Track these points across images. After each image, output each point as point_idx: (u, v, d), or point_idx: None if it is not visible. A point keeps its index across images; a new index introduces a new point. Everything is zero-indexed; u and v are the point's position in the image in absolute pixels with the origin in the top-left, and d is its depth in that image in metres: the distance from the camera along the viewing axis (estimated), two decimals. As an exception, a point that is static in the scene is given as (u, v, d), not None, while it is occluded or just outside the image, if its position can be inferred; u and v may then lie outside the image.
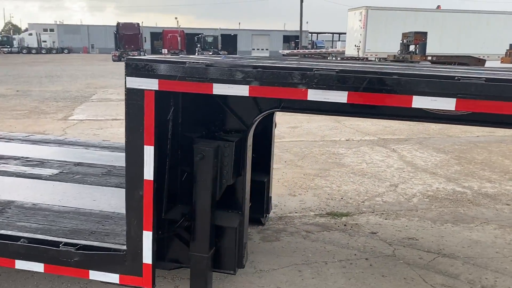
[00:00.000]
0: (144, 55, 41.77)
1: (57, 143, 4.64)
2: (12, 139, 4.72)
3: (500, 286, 3.09)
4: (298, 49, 50.76)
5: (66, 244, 2.41)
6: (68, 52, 68.49)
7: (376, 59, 27.23)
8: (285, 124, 9.12)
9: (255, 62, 2.39)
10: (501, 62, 22.97)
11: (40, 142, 4.62)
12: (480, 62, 21.72)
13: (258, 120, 2.69)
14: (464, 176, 5.77)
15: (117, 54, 41.06)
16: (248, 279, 3.10)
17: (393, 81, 1.91)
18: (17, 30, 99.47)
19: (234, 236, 2.76)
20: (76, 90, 15.48)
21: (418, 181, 5.54)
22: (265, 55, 51.57)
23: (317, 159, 6.53)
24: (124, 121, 2.32)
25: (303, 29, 58.40)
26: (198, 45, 54.66)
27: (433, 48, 23.74)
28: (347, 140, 7.95)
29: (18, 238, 2.49)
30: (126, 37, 47.09)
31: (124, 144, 2.34)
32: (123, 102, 2.28)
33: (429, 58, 21.87)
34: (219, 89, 2.11)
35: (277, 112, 3.25)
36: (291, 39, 72.78)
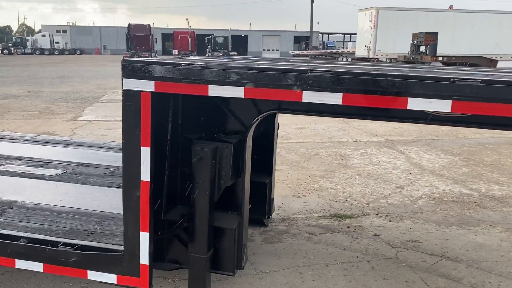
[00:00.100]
0: (155, 56, 42.08)
1: (63, 143, 4.69)
2: (19, 140, 4.78)
3: (504, 290, 3.05)
4: (308, 49, 50.66)
5: (64, 244, 2.43)
6: (81, 53, 69.20)
7: (387, 60, 27.05)
8: (293, 125, 9.11)
9: (251, 63, 2.39)
10: (514, 63, 22.68)
11: (46, 143, 4.67)
12: (492, 62, 21.42)
13: (257, 121, 2.68)
14: (472, 178, 5.71)
15: (128, 55, 41.42)
16: (248, 280, 3.09)
17: (388, 83, 1.89)
18: (30, 31, 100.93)
19: (233, 237, 2.76)
20: (86, 91, 15.63)
21: (425, 183, 5.49)
22: (275, 56, 51.55)
23: (323, 160, 6.50)
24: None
25: (314, 29, 58.26)
26: (209, 46, 54.90)
27: (444, 48, 23.50)
28: (354, 141, 7.91)
29: (18, 238, 2.51)
30: (137, 38, 47.49)
31: None
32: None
33: (440, 58, 21.64)
34: (214, 90, 2.12)
35: (284, 113, 3.25)
36: (302, 40, 72.74)
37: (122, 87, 2.22)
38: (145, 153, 2.28)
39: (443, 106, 1.86)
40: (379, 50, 28.45)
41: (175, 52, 51.83)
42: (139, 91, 2.20)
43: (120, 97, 2.36)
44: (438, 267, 3.34)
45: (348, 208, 4.56)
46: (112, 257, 2.40)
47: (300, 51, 47.54)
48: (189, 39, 53.68)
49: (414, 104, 1.88)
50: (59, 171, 3.76)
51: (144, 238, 2.36)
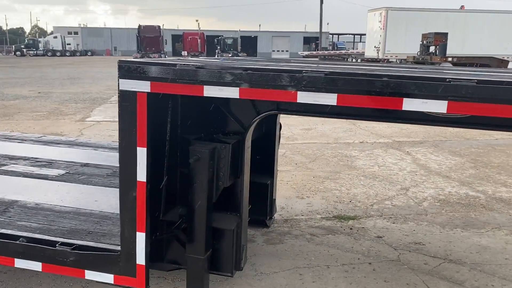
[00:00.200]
0: (165, 57, 42.31)
1: (67, 144, 4.72)
2: (25, 140, 4.83)
3: (507, 294, 3.00)
4: (317, 50, 50.54)
5: (62, 244, 2.44)
6: (92, 55, 69.83)
7: (397, 61, 26.87)
8: (299, 126, 9.08)
9: (247, 64, 2.38)
10: (526, 63, 22.40)
11: (51, 143, 4.71)
12: (503, 63, 21.18)
13: (256, 122, 2.67)
14: (479, 180, 5.64)
15: (138, 56, 41.70)
16: (248, 281, 3.08)
17: (382, 83, 1.87)
18: (43, 33, 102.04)
19: (231, 238, 2.76)
20: (96, 92, 15.75)
21: (430, 184, 5.43)
22: (284, 57, 51.50)
23: (329, 161, 6.47)
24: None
25: (323, 30, 58.12)
26: (218, 47, 55.02)
27: (454, 49, 23.30)
28: (360, 142, 7.86)
29: (17, 237, 2.53)
30: (147, 40, 47.79)
31: None
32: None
33: (450, 59, 21.45)
34: (209, 91, 2.11)
35: (283, 114, 3.23)
36: (311, 41, 72.63)
37: (118, 87, 2.23)
38: (141, 153, 2.28)
39: (439, 106, 1.83)
40: (389, 51, 28.29)
41: (184, 53, 52.08)
42: (135, 92, 2.21)
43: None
44: (440, 269, 3.30)
45: (351, 210, 4.53)
46: (109, 257, 2.41)
47: (309, 52, 47.42)
48: (198, 40, 53.90)
49: (410, 104, 1.86)
50: (62, 171, 3.78)
51: (141, 238, 2.36)
